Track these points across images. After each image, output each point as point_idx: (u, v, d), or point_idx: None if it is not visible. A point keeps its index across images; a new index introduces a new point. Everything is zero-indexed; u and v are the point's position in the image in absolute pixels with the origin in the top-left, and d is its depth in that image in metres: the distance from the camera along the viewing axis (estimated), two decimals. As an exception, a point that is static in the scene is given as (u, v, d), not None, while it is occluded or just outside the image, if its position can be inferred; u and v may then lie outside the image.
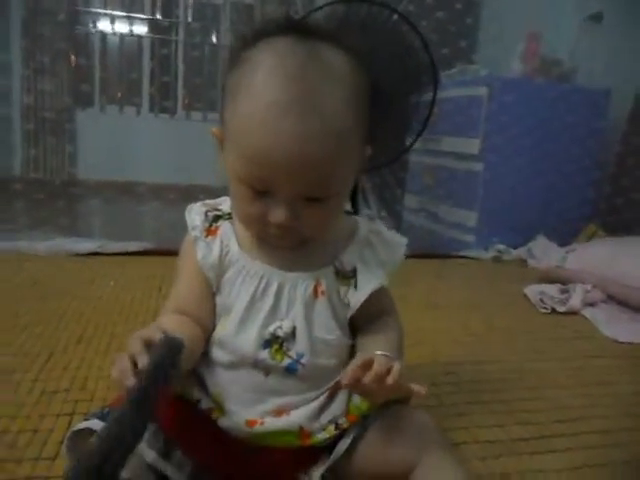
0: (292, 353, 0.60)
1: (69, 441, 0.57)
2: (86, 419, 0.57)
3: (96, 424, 0.55)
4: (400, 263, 0.66)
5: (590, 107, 2.22)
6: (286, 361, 0.60)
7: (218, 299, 0.62)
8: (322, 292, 0.61)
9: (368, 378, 0.51)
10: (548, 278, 1.77)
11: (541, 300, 1.56)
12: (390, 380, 0.51)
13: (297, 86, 0.50)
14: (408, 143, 2.25)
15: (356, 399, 0.63)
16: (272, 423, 0.59)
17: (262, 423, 0.59)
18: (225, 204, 0.65)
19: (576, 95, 2.20)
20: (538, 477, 0.76)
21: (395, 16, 1.94)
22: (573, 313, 1.52)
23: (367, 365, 0.52)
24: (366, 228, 0.66)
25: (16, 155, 3.34)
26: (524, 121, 2.13)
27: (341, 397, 0.63)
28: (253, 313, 0.60)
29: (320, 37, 0.55)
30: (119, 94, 3.93)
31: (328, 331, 0.61)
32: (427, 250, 2.10)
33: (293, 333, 0.60)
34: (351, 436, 0.61)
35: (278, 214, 0.54)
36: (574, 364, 1.17)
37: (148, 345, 0.48)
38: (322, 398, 0.62)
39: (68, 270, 1.57)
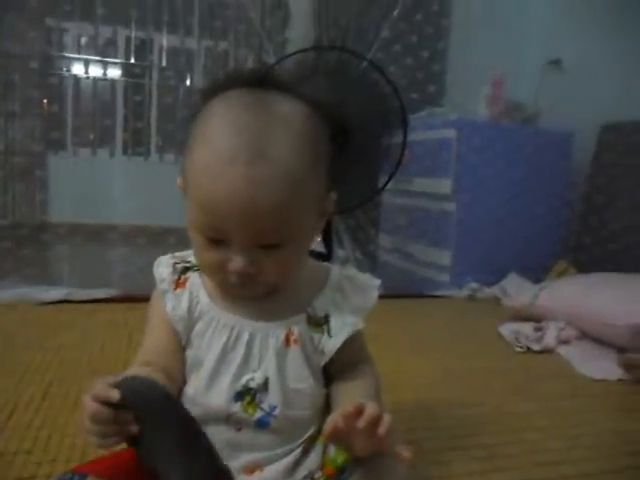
0: (265, 405, 0.58)
1: None
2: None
3: None
4: (373, 307, 0.65)
5: (554, 149, 2.30)
6: (258, 414, 0.58)
7: (189, 352, 0.61)
8: (294, 340, 0.60)
9: (362, 423, 0.49)
10: (521, 316, 1.78)
11: (516, 339, 1.57)
12: (382, 430, 0.49)
13: (244, 133, 0.51)
14: (380, 185, 2.29)
15: (331, 452, 0.60)
16: None
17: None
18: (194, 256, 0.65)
19: (540, 137, 2.29)
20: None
21: (365, 63, 1.99)
22: (548, 351, 1.53)
23: (358, 412, 0.50)
24: (338, 274, 0.65)
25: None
26: (493, 162, 2.19)
27: (316, 450, 0.61)
28: (224, 365, 0.58)
29: (275, 86, 0.57)
30: (92, 137, 3.92)
31: (301, 380, 0.60)
32: (402, 290, 2.11)
33: (265, 384, 0.58)
34: None
35: (235, 262, 0.53)
36: (552, 405, 1.17)
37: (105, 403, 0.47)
38: (296, 452, 0.60)
39: (35, 319, 1.52)
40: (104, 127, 3.97)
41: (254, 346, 0.59)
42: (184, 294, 0.61)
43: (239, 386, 0.58)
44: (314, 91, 0.60)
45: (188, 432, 0.48)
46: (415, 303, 2.07)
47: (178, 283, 0.62)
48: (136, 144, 4.14)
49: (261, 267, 0.54)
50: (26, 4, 3.32)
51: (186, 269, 0.63)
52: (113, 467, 0.55)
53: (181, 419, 0.48)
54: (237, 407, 0.57)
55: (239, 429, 0.58)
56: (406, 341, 1.56)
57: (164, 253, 0.66)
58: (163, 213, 2.95)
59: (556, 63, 2.57)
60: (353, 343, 0.62)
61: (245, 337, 0.59)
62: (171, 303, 0.61)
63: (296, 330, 0.60)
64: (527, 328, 1.63)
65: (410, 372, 1.29)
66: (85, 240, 2.76)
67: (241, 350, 0.58)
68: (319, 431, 0.62)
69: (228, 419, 0.58)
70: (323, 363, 0.62)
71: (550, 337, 1.56)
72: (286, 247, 0.55)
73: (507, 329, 1.64)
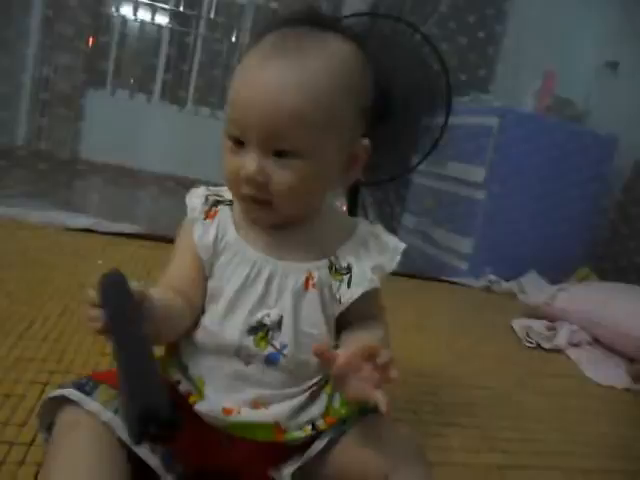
0: (276, 343, 0.59)
1: (42, 408, 0.56)
2: (61, 387, 0.55)
3: (71, 393, 0.54)
4: (393, 268, 0.64)
5: (597, 151, 2.23)
6: (269, 350, 0.59)
7: (210, 283, 0.62)
8: (313, 285, 0.60)
9: (382, 359, 0.51)
10: (536, 314, 1.76)
11: (527, 334, 1.56)
12: (395, 374, 0.51)
13: (283, 48, 0.56)
14: (414, 163, 2.25)
15: (336, 403, 0.62)
16: (248, 414, 0.58)
17: (239, 412, 0.58)
18: (227, 192, 0.65)
19: (584, 137, 2.22)
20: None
21: (418, 36, 1.95)
22: (558, 351, 1.52)
23: (376, 350, 0.51)
24: (365, 229, 0.66)
25: (22, 124, 3.31)
26: (531, 156, 2.15)
27: (321, 399, 0.62)
28: (242, 299, 0.59)
29: (330, 26, 0.59)
30: (132, 80, 3.93)
31: (314, 325, 0.60)
32: (418, 271, 2.11)
33: (279, 323, 0.59)
34: (327, 438, 0.59)
35: (248, 164, 0.55)
36: (554, 400, 1.17)
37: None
38: (302, 397, 0.61)
39: (60, 243, 1.55)
40: (145, 71, 3.97)
41: (273, 284, 0.59)
42: (212, 225, 0.62)
43: (254, 320, 0.59)
44: None
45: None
46: (430, 285, 2.06)
47: (208, 214, 0.63)
48: (174, 92, 4.14)
49: (270, 176, 0.55)
50: None
51: (217, 202, 0.64)
52: None
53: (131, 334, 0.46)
54: (249, 340, 0.58)
55: (248, 363, 0.59)
56: (418, 320, 1.55)
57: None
58: (192, 165, 2.97)
59: (613, 66, 2.49)
60: (370, 299, 0.62)
61: (265, 274, 0.59)
62: (199, 232, 0.62)
63: (316, 275, 0.60)
64: (539, 325, 1.62)
65: (418, 349, 1.30)
66: (115, 176, 2.79)
67: (260, 286, 0.59)
68: (327, 381, 0.63)
69: (239, 352, 0.59)
70: (338, 312, 0.62)
71: (562, 337, 1.55)
72: (299, 161, 0.55)
73: (519, 324, 1.64)
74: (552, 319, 1.70)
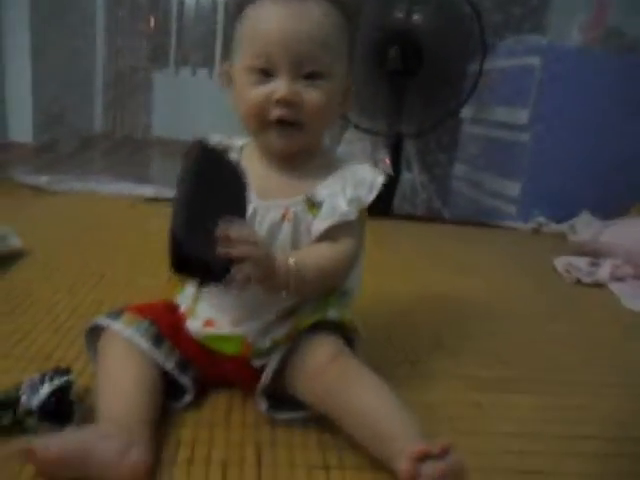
0: None
1: (86, 339, 0.71)
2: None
3: (100, 319, 0.69)
4: (369, 202, 0.69)
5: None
6: None
7: None
8: (288, 219, 0.68)
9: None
10: (582, 251, 1.75)
11: (567, 270, 1.57)
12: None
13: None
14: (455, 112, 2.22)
15: (300, 320, 0.68)
16: (221, 328, 0.70)
17: (213, 325, 0.70)
18: (237, 140, 0.77)
19: (636, 69, 2.10)
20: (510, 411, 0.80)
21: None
22: (599, 285, 1.52)
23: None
24: (349, 167, 0.72)
25: (96, 109, 3.61)
26: (577, 93, 2.07)
27: (289, 321, 0.69)
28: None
29: None
30: (192, 56, 4.05)
31: (285, 252, 0.65)
32: (467, 217, 2.14)
33: None
34: (283, 350, 0.66)
35: (280, 88, 0.64)
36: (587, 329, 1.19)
37: None
38: (271, 317, 0.69)
39: (128, 212, 1.76)
40: (205, 48, 4.08)
41: (254, 220, 0.67)
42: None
43: None
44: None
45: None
46: (478, 231, 2.08)
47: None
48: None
49: (302, 96, 0.64)
50: None
51: (227, 149, 0.74)
52: (148, 308, 0.72)
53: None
54: None
55: None
56: (458, 264, 1.60)
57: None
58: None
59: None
60: (341, 230, 0.67)
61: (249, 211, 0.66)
62: None
63: (292, 209, 0.68)
64: (581, 261, 1.62)
65: (459, 287, 1.37)
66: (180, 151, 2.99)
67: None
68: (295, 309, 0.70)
69: None
70: (308, 242, 0.69)
71: (604, 271, 1.54)
72: (325, 82, 0.65)
73: (561, 261, 1.64)
74: (597, 255, 1.68)
